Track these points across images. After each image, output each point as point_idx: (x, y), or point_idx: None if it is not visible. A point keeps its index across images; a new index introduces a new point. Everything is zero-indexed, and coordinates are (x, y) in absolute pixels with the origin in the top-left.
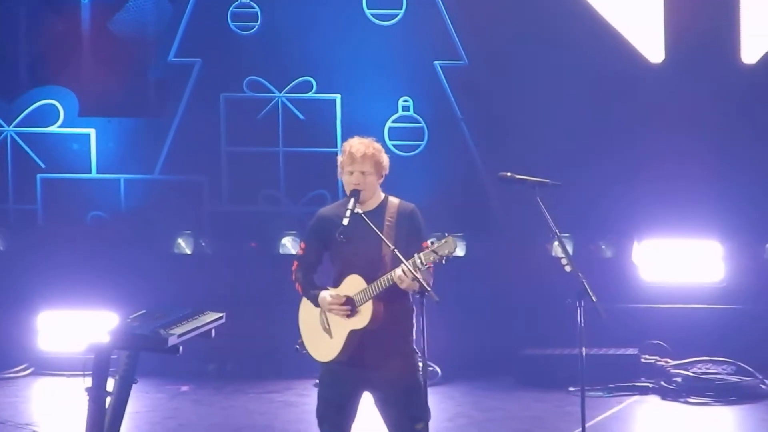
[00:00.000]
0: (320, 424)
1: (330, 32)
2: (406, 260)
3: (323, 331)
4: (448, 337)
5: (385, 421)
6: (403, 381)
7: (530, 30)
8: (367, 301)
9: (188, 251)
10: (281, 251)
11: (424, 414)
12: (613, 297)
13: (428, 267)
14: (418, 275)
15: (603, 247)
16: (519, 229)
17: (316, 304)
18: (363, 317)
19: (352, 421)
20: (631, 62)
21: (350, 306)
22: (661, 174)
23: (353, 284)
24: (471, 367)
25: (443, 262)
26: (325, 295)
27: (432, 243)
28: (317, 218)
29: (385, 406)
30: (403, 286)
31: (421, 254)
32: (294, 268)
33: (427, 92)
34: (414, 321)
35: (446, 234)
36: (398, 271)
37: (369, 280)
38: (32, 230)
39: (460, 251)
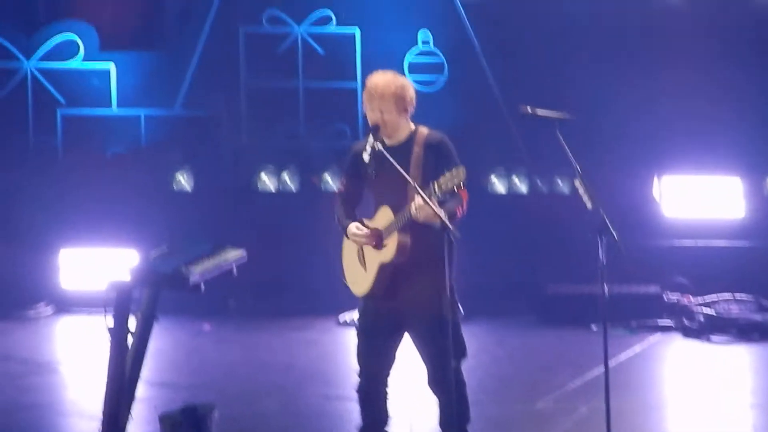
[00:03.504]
0: (357, 357)
1: None
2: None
3: (360, 264)
4: (470, 274)
5: (422, 358)
6: (432, 320)
7: None
8: (392, 233)
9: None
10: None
11: (457, 351)
12: (635, 234)
13: (456, 195)
14: (433, 205)
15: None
16: (540, 164)
17: (347, 236)
18: (389, 250)
19: (390, 359)
20: None
21: (375, 236)
22: (681, 110)
23: (384, 216)
24: (493, 305)
25: (457, 189)
26: (351, 226)
27: (443, 172)
28: (351, 154)
29: (419, 344)
30: (420, 217)
31: (436, 182)
32: (337, 204)
33: (446, 26)
34: (446, 254)
35: (459, 164)
36: (412, 206)
37: (397, 211)
38: (52, 166)
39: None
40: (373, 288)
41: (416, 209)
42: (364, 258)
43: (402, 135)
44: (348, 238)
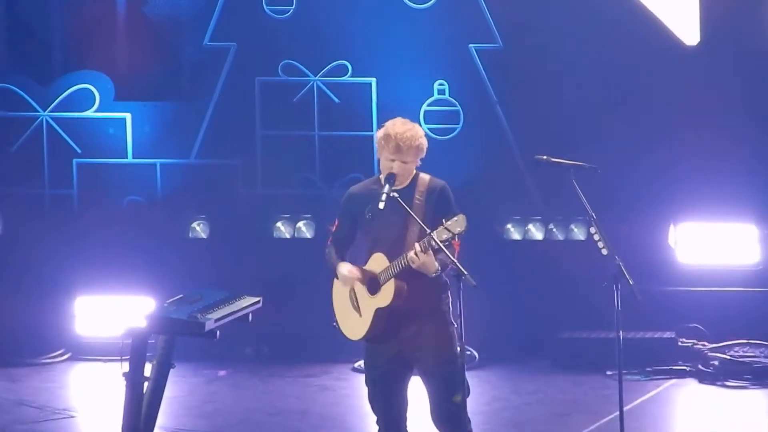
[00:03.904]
0: (372, 406)
1: (365, 15)
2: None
3: (353, 309)
4: (485, 320)
5: (428, 392)
6: (439, 354)
7: (564, 12)
8: (389, 279)
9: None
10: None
11: (461, 386)
12: (650, 280)
13: (450, 245)
14: (429, 257)
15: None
16: (556, 212)
17: (337, 276)
18: (386, 295)
19: (404, 401)
20: (667, 44)
21: (368, 278)
22: (697, 157)
23: (378, 262)
24: (508, 351)
25: (456, 239)
26: (343, 266)
27: (444, 221)
28: (348, 196)
29: (424, 380)
30: (415, 266)
31: (434, 233)
32: (328, 242)
33: (462, 75)
34: (449, 300)
35: (458, 212)
36: (410, 253)
37: (392, 258)
38: (68, 215)
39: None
40: (369, 333)
41: (411, 259)
42: (357, 302)
43: (405, 181)
44: (338, 278)
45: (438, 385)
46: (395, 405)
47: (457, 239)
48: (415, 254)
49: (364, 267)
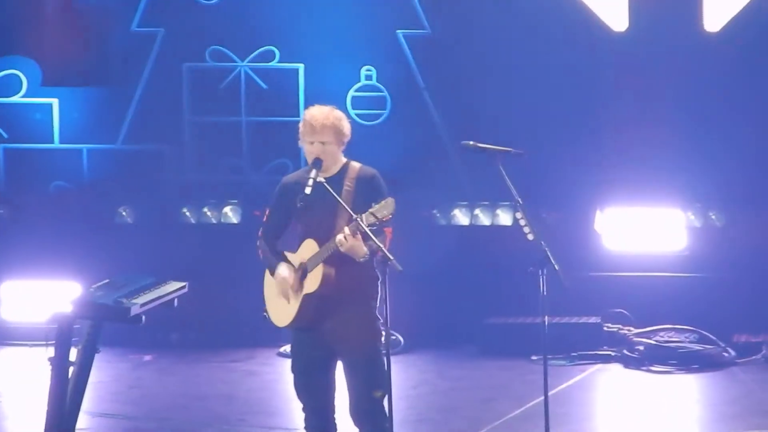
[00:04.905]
0: (297, 394)
1: (293, 1)
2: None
3: (282, 296)
4: (411, 305)
5: (347, 386)
6: (362, 348)
7: None
8: (317, 265)
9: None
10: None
11: (382, 383)
12: (576, 265)
13: (381, 231)
14: (357, 240)
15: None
16: (482, 197)
17: (273, 273)
18: (313, 281)
19: (330, 389)
20: (595, 30)
21: (300, 276)
22: (624, 142)
23: (308, 249)
24: (434, 336)
25: (382, 222)
26: (282, 269)
27: (372, 205)
28: (280, 186)
29: (345, 372)
30: (343, 249)
31: (362, 216)
32: (259, 234)
33: (389, 61)
34: (378, 288)
35: (386, 196)
36: (339, 236)
37: (322, 244)
38: None
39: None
40: (297, 319)
41: (339, 242)
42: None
43: (335, 168)
44: (272, 276)
45: (358, 380)
46: (321, 393)
47: (389, 225)
48: (344, 237)
49: (294, 254)
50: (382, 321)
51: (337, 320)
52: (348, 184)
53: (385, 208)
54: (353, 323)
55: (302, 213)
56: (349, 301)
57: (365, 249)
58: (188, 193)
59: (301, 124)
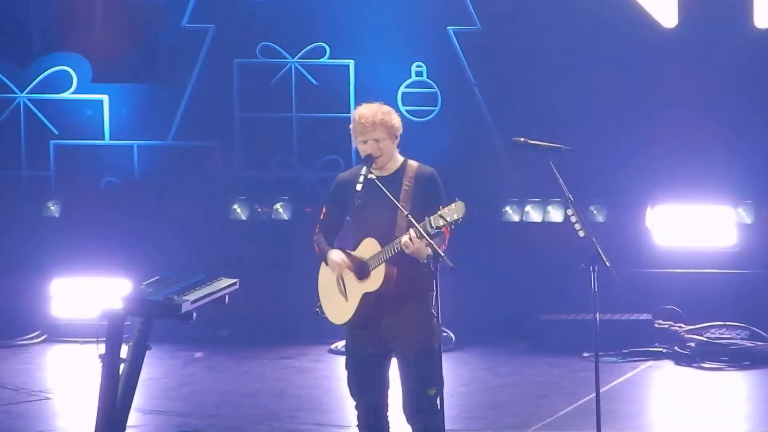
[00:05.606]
0: (351, 392)
1: None
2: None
3: (339, 293)
4: (463, 302)
5: (401, 383)
6: (418, 345)
7: None
8: (379, 264)
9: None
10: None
11: (436, 380)
12: (627, 262)
13: (440, 232)
14: (423, 242)
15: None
16: (533, 193)
17: (327, 263)
18: (375, 280)
19: (384, 387)
20: (645, 27)
21: (358, 265)
22: (675, 139)
23: (369, 247)
24: (485, 332)
25: (452, 227)
26: (333, 253)
27: (441, 207)
28: (335, 183)
29: (401, 369)
30: (408, 251)
31: (431, 218)
32: (316, 230)
33: (440, 58)
34: (434, 286)
35: (456, 198)
36: (404, 238)
37: (384, 243)
38: (45, 197)
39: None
40: (355, 317)
41: (405, 244)
42: (344, 287)
43: (392, 166)
44: (327, 264)
45: (414, 377)
46: (374, 390)
47: (453, 226)
48: (410, 239)
49: (353, 252)
50: (437, 319)
51: (394, 318)
52: (407, 183)
53: (455, 212)
54: (410, 321)
55: (359, 211)
56: (407, 298)
57: (429, 251)
58: (238, 189)
59: (351, 125)
